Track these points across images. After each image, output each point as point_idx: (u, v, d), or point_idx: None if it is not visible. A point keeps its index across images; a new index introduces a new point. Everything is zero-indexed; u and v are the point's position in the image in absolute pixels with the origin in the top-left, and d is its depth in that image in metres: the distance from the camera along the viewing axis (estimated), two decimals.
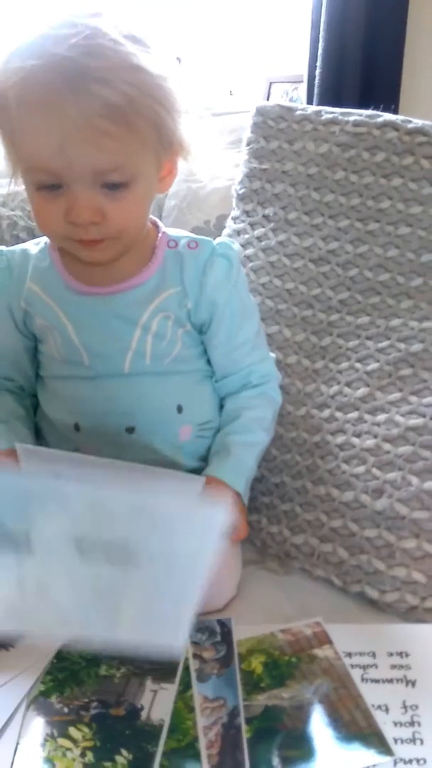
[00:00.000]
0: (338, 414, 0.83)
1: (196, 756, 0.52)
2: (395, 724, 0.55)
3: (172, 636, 0.49)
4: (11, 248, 0.80)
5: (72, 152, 0.60)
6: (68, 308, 0.75)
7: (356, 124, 0.96)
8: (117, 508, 0.47)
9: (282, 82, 2.26)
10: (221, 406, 0.82)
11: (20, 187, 0.71)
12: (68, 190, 0.64)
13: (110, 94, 0.58)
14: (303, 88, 2.06)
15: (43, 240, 0.79)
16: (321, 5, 1.88)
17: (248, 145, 1.02)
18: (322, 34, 1.89)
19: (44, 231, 0.70)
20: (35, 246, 0.79)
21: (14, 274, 0.77)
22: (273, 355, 0.86)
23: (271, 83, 2.27)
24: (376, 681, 0.59)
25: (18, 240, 0.94)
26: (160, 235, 0.77)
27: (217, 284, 0.76)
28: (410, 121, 0.95)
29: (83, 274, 0.75)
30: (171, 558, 0.48)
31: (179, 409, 0.77)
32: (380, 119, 0.96)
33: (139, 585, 0.48)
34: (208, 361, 0.81)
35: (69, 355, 0.76)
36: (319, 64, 1.91)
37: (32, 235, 0.94)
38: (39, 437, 0.80)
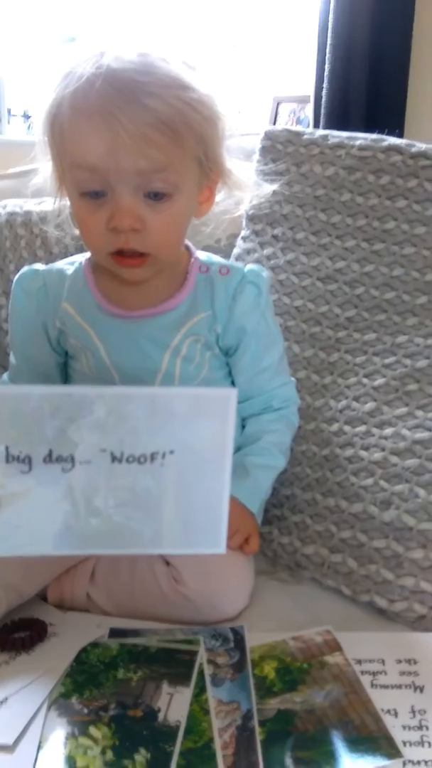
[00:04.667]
0: (347, 428, 0.86)
1: (212, 756, 0.54)
2: (404, 727, 0.57)
3: (213, 542, 0.52)
4: (47, 267, 0.82)
5: (120, 154, 0.63)
6: (101, 330, 0.77)
7: (362, 147, 0.99)
8: (135, 408, 0.49)
9: (289, 101, 2.30)
10: (243, 426, 0.84)
11: (60, 205, 0.74)
12: (111, 197, 0.66)
13: (161, 107, 0.62)
14: (310, 107, 2.09)
15: (78, 260, 0.81)
16: (327, 29, 1.93)
17: (257, 168, 1.05)
18: (327, 57, 1.93)
19: (88, 244, 0.73)
20: (70, 266, 0.81)
21: (50, 294, 0.79)
22: (293, 379, 0.88)
23: (278, 102, 2.31)
24: (385, 687, 0.61)
25: (50, 255, 0.97)
26: (192, 259, 0.79)
27: (246, 311, 0.78)
28: (414, 145, 0.98)
29: (117, 296, 0.77)
30: (195, 451, 0.50)
31: None
32: (385, 143, 0.99)
33: (172, 482, 0.50)
34: (233, 383, 0.83)
35: (100, 374, 0.78)
36: (325, 85, 1.95)
37: (65, 251, 0.96)
38: None
